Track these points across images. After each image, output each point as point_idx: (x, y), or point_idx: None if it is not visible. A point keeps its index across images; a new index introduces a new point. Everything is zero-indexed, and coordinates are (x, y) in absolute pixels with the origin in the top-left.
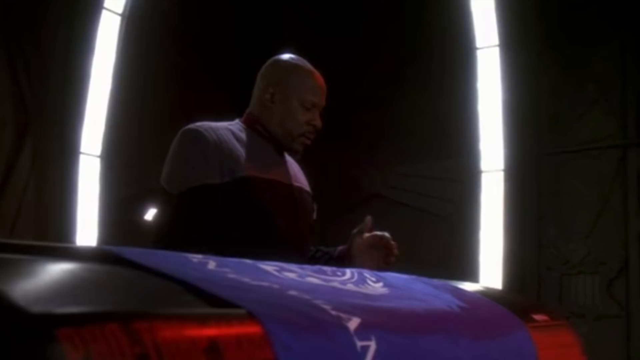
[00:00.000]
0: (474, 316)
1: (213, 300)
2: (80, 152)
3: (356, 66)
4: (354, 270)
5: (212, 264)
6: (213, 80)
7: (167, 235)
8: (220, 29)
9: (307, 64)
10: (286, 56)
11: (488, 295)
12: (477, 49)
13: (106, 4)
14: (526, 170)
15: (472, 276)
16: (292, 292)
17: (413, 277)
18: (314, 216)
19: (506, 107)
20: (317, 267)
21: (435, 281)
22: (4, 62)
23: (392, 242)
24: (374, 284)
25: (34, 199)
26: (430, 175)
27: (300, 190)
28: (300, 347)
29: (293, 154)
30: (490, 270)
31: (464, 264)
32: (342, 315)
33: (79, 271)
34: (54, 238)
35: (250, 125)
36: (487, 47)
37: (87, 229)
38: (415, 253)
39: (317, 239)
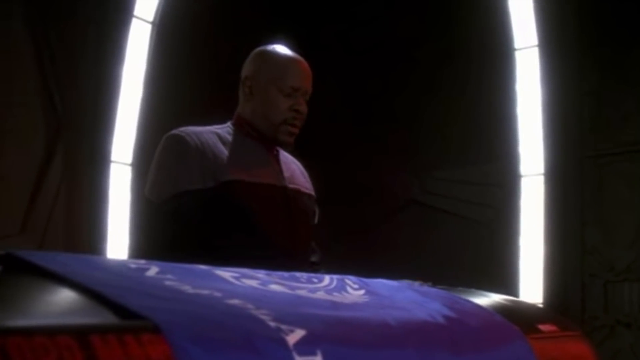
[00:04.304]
0: (460, 327)
1: (122, 312)
2: (111, 161)
3: (393, 70)
4: (335, 276)
5: (153, 270)
6: None
7: (150, 245)
8: (254, 29)
9: (285, 50)
10: (264, 47)
11: (489, 304)
12: (515, 49)
13: (136, 12)
14: (568, 174)
15: (513, 283)
16: (234, 302)
17: (404, 284)
18: (315, 220)
19: (546, 109)
20: (289, 274)
21: (428, 289)
22: (34, 64)
23: None
24: (354, 292)
25: (64, 208)
26: (468, 180)
27: (297, 192)
28: None
29: (284, 147)
30: (532, 277)
31: (504, 270)
32: (283, 327)
33: None
34: (84, 247)
35: (239, 126)
36: (526, 47)
37: (117, 238)
38: (454, 260)
39: (356, 245)
